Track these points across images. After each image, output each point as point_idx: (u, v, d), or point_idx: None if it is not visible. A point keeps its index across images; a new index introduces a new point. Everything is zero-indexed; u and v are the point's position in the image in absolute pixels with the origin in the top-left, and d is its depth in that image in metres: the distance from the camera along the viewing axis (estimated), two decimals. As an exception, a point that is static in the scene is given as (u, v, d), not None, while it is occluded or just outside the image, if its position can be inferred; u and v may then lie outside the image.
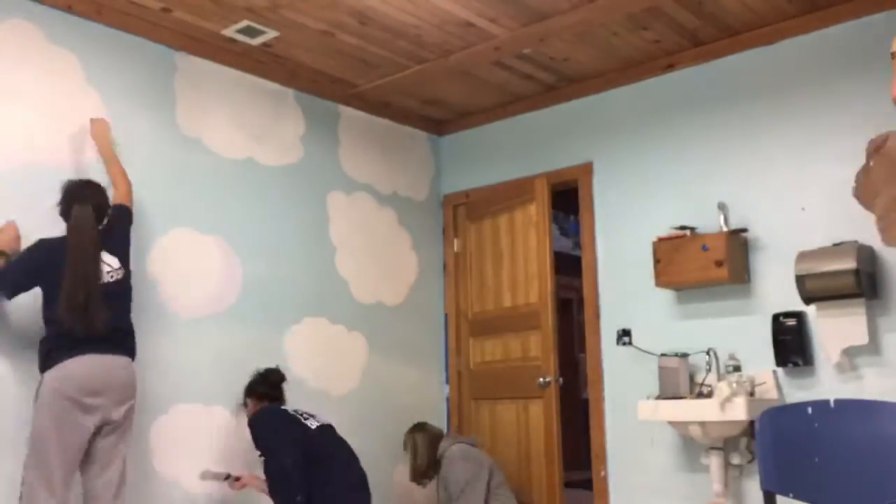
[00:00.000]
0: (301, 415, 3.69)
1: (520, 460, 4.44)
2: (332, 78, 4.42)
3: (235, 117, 4.07)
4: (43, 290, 3.04)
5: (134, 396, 3.11)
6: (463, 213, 5.06)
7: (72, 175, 3.39)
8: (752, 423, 3.57)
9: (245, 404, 3.78)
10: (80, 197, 3.15)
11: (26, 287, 3.07)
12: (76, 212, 3.10)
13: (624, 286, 4.23)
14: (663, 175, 4.17)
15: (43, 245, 3.08)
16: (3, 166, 3.22)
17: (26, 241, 3.21)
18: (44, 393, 2.92)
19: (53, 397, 2.89)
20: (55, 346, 2.97)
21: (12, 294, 3.08)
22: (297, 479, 3.41)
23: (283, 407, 3.74)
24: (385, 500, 4.34)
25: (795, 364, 3.56)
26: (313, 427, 3.63)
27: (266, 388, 3.75)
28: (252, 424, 3.62)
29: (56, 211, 3.17)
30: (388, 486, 4.42)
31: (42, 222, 3.28)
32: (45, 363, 2.96)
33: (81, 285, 2.96)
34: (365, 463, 3.94)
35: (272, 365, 3.87)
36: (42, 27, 3.39)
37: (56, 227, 3.28)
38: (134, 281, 3.53)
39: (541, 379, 4.29)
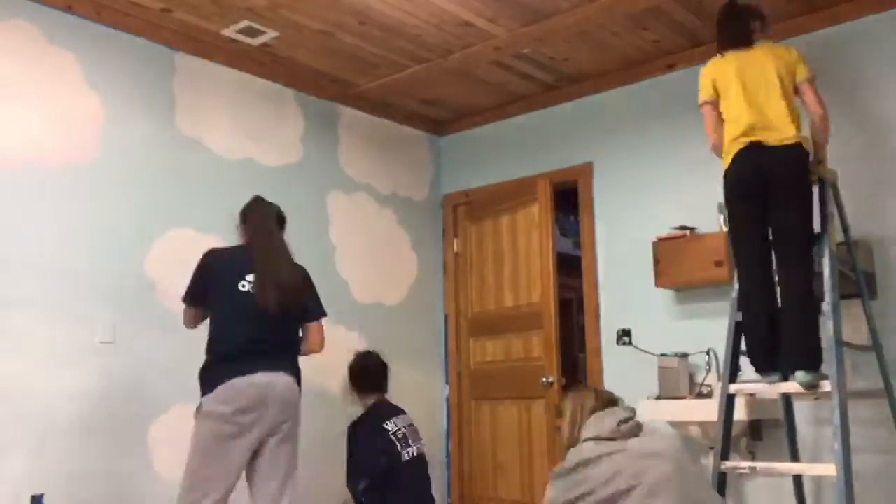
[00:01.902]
0: (399, 439, 3.81)
1: (521, 460, 4.44)
2: (331, 78, 4.42)
3: (235, 117, 4.07)
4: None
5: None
6: (463, 213, 5.06)
7: (71, 175, 3.40)
8: (752, 423, 3.57)
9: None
10: (263, 204, 3.26)
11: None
12: (257, 208, 3.21)
13: (624, 286, 4.23)
14: (663, 175, 4.17)
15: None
16: (2, 166, 3.22)
17: (23, 241, 3.23)
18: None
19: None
20: None
21: None
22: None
23: (384, 424, 3.86)
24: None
25: (795, 364, 3.56)
26: (405, 457, 3.78)
27: (365, 380, 4.03)
28: (348, 434, 3.89)
29: (57, 209, 3.17)
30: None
31: (42, 223, 3.30)
32: None
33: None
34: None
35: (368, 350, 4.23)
36: (42, 27, 3.39)
37: (55, 225, 3.30)
38: (133, 281, 3.56)
39: (543, 379, 4.29)
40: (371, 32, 3.86)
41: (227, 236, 3.93)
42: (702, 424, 3.54)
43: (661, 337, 4.03)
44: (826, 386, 2.92)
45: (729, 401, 3.17)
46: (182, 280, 3.73)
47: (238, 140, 4.07)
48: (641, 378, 4.01)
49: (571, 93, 4.57)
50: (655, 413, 3.70)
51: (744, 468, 3.17)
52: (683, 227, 3.90)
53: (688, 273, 3.82)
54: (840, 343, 2.97)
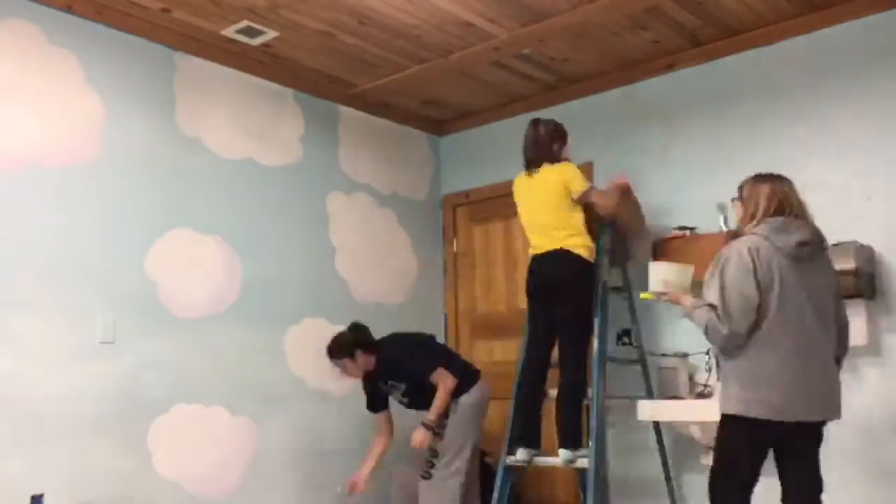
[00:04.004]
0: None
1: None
2: (331, 78, 4.42)
3: (235, 117, 4.07)
4: None
5: None
6: (464, 214, 5.05)
7: (71, 175, 3.40)
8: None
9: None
10: None
11: None
12: None
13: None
14: (663, 175, 4.16)
15: None
16: (2, 166, 3.22)
17: (23, 241, 3.23)
18: None
19: None
20: None
21: None
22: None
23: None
24: (385, 499, 4.34)
25: (795, 364, 3.56)
26: None
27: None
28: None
29: (57, 209, 3.17)
30: (388, 486, 4.41)
31: (42, 223, 3.30)
32: None
33: None
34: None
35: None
36: (42, 27, 3.39)
37: (55, 225, 3.30)
38: (133, 281, 3.56)
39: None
40: (371, 32, 3.85)
41: (227, 236, 3.95)
42: (702, 425, 3.54)
43: (661, 337, 4.03)
44: (583, 462, 3.45)
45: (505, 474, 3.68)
46: (182, 280, 3.74)
47: (238, 140, 4.07)
48: (641, 378, 4.01)
49: (571, 93, 4.56)
50: (655, 413, 3.70)
51: (521, 461, 3.59)
52: (683, 227, 3.90)
53: (688, 273, 3.81)
54: (603, 358, 3.65)
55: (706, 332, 2.71)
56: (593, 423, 3.47)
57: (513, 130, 4.83)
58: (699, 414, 3.53)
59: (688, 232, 3.88)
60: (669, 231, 3.97)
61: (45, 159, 3.34)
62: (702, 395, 3.69)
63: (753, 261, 2.65)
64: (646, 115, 4.27)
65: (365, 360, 3.81)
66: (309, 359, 4.20)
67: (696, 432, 3.59)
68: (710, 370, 3.74)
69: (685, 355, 3.81)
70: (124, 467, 3.40)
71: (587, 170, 4.46)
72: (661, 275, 3.10)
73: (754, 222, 2.76)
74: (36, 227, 3.28)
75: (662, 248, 3.92)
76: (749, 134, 3.89)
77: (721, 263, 2.72)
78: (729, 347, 2.69)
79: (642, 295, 3.15)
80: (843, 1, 3.63)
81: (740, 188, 2.87)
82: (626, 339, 4.14)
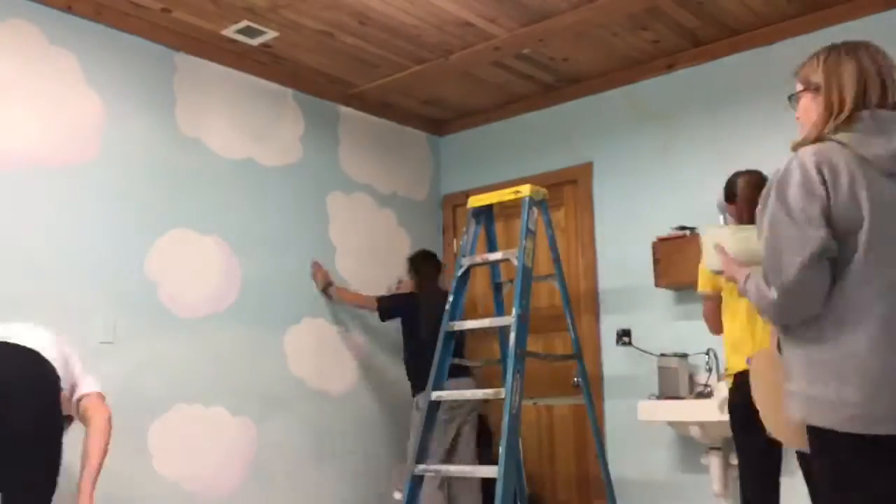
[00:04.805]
0: None
1: (542, 460, 4.46)
2: (331, 78, 4.42)
3: (235, 117, 4.07)
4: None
5: None
6: (464, 214, 5.03)
7: (71, 175, 3.40)
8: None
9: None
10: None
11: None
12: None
13: (624, 286, 4.23)
14: (663, 175, 4.17)
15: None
16: (2, 166, 3.22)
17: (23, 241, 3.23)
18: None
19: None
20: None
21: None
22: None
23: None
24: (384, 500, 4.34)
25: (795, 364, 3.56)
26: None
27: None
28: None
29: (57, 209, 3.17)
30: (387, 486, 4.41)
31: (42, 223, 3.30)
32: None
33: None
34: (365, 462, 3.95)
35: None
36: (42, 27, 3.39)
37: (54, 225, 3.30)
38: (133, 281, 3.57)
39: (575, 379, 4.21)
40: (371, 32, 3.86)
41: (227, 236, 3.95)
42: (702, 424, 3.54)
43: (661, 337, 4.03)
44: None
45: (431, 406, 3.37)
46: (182, 280, 3.74)
47: (238, 140, 4.07)
48: (641, 378, 4.02)
49: (571, 93, 4.57)
50: (655, 413, 3.70)
51: (431, 471, 3.30)
52: (683, 227, 3.90)
53: (688, 273, 3.80)
54: (522, 355, 3.15)
55: (757, 306, 1.76)
56: (505, 427, 2.98)
57: (513, 130, 4.86)
58: (699, 414, 3.53)
59: (687, 232, 3.88)
60: (669, 231, 3.96)
61: (45, 159, 3.35)
62: (701, 395, 3.69)
63: (825, 182, 1.70)
64: (646, 115, 4.27)
65: None
66: (308, 359, 4.20)
67: (695, 432, 3.59)
68: (710, 370, 3.74)
69: (685, 355, 3.81)
70: (124, 467, 3.40)
71: (587, 169, 4.47)
72: (714, 241, 2.26)
73: (834, 122, 1.81)
74: (36, 227, 3.28)
75: (661, 248, 3.92)
76: (749, 134, 3.89)
77: (771, 187, 1.78)
78: (787, 321, 1.72)
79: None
80: (843, 1, 3.63)
81: (815, 60, 1.90)
82: (625, 339, 4.14)
